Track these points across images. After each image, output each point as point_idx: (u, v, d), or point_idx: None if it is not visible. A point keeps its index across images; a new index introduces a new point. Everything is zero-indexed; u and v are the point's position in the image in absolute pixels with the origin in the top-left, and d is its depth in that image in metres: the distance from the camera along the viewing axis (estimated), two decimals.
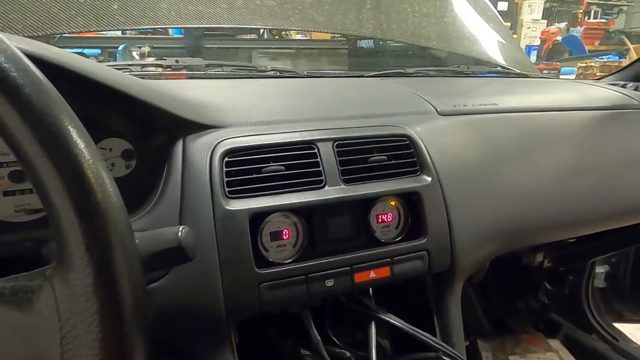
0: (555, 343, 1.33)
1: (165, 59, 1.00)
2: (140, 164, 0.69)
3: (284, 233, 0.61)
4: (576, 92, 1.02)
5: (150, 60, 1.21)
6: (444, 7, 1.39)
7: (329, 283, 0.60)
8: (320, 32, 1.25)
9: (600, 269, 1.39)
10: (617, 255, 1.36)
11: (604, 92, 1.01)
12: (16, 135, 0.22)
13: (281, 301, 0.59)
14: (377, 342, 0.67)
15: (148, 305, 0.25)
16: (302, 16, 1.18)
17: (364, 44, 2.99)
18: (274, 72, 1.06)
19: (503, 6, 6.20)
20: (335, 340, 0.73)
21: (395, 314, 0.69)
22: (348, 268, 0.61)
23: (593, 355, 1.28)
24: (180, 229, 0.36)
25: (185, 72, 1.01)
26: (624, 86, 1.09)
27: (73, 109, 0.69)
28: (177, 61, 1.00)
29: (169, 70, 1.00)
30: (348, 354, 0.70)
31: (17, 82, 0.23)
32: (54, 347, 0.22)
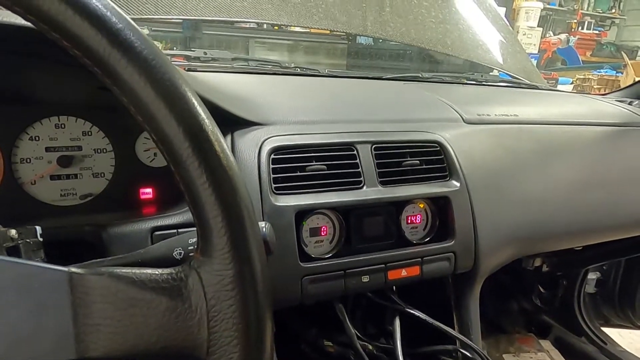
0: (546, 344, 1.40)
1: (194, 50, 1.01)
2: None
3: (322, 229, 0.64)
4: (587, 107, 1.07)
5: (172, 51, 1.22)
6: (460, 15, 1.43)
7: (365, 279, 0.64)
8: (342, 31, 1.27)
9: (591, 276, 1.45)
10: (609, 263, 1.43)
11: (613, 109, 1.06)
12: (175, 143, 0.25)
13: (321, 294, 0.62)
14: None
15: (271, 291, 0.28)
16: (325, 15, 1.20)
17: (362, 40, 3.01)
18: (296, 69, 1.09)
19: (500, 12, 6.27)
20: (357, 334, 0.77)
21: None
22: (382, 265, 0.65)
23: (582, 356, 1.34)
24: (264, 224, 0.39)
25: (211, 64, 1.02)
26: (630, 103, 1.14)
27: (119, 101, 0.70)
28: (205, 53, 1.02)
29: (196, 62, 1.01)
30: (370, 346, 0.74)
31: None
32: (202, 327, 0.25)
